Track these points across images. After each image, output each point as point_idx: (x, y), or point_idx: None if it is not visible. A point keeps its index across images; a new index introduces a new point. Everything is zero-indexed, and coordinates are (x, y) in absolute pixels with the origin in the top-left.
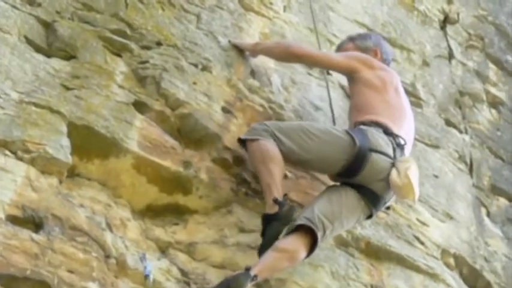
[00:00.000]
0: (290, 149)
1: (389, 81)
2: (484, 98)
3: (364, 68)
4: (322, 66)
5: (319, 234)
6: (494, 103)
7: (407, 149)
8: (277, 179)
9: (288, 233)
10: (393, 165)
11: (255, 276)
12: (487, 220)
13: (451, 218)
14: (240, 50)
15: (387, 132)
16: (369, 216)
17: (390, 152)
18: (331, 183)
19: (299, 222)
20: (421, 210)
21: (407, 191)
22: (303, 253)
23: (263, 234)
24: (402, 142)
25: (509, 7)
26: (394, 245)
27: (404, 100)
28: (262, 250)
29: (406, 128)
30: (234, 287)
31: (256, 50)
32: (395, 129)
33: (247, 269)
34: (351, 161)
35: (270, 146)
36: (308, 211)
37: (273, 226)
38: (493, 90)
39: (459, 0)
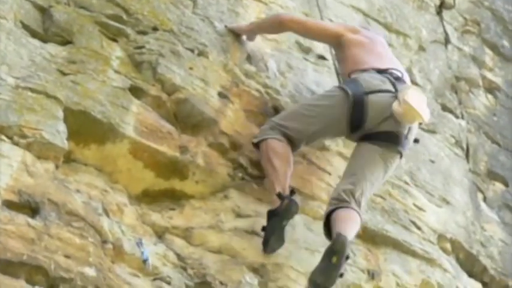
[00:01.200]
0: (297, 129)
1: (375, 39)
2: (480, 83)
3: (349, 33)
4: (312, 33)
5: (353, 205)
6: (491, 88)
7: (407, 80)
8: (281, 174)
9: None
10: (396, 97)
11: None
12: (483, 205)
13: (448, 203)
14: (236, 35)
15: (380, 71)
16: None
17: (389, 87)
18: (328, 166)
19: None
20: (418, 195)
21: (412, 115)
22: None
23: (263, 229)
24: (399, 74)
25: None
26: (391, 229)
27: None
28: (264, 244)
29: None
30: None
31: (251, 30)
32: (387, 66)
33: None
34: (352, 111)
35: (276, 143)
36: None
37: (273, 221)
38: (489, 75)
39: None
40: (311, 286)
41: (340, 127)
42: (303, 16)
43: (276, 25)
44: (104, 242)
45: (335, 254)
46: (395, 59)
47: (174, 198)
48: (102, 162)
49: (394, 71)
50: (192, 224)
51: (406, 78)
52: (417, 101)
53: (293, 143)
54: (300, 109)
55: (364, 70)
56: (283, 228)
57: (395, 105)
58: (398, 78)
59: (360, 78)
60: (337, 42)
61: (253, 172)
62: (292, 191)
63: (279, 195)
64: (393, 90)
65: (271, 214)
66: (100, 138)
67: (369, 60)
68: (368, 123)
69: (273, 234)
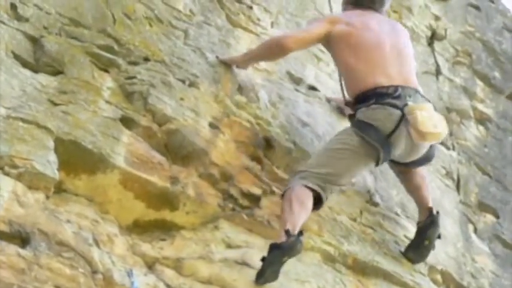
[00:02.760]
0: (332, 173)
1: (364, 21)
2: (472, 114)
3: (331, 26)
4: (310, 45)
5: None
6: (482, 119)
7: (413, 81)
8: (295, 216)
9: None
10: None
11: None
12: (474, 236)
13: (440, 236)
14: (227, 66)
15: (385, 96)
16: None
17: (397, 113)
18: None
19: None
20: (408, 226)
21: (434, 137)
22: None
23: (263, 259)
24: (403, 91)
25: (497, 23)
26: (381, 261)
27: (391, 31)
28: (258, 276)
29: (402, 64)
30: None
31: (245, 61)
32: (392, 81)
33: (287, 232)
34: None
35: (302, 191)
36: None
37: (274, 254)
38: (480, 106)
39: (446, 17)
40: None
41: (368, 166)
42: (295, 30)
43: (276, 50)
44: (94, 272)
45: (427, 238)
46: (396, 33)
47: (165, 229)
48: (93, 193)
49: (399, 90)
50: (182, 255)
51: (411, 77)
52: (430, 121)
53: (324, 191)
54: (326, 152)
55: (369, 94)
56: (282, 264)
57: (416, 137)
58: (402, 96)
59: (373, 117)
60: (327, 41)
61: (244, 203)
62: (301, 232)
63: (287, 232)
64: (401, 107)
65: (274, 247)
66: (91, 169)
67: (370, 71)
68: (398, 156)
69: (270, 266)
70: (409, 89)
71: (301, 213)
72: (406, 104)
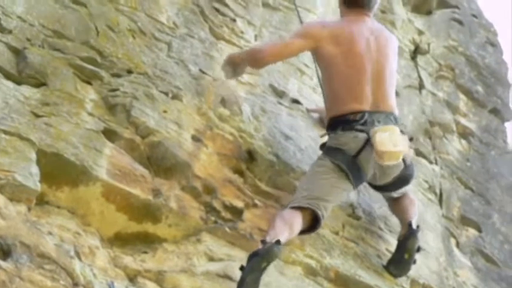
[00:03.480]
0: (313, 195)
1: (351, 38)
2: (454, 128)
3: (315, 43)
4: (288, 57)
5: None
6: (464, 134)
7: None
8: (277, 231)
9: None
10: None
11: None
12: (456, 251)
13: (420, 249)
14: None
15: (352, 122)
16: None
17: (362, 136)
18: None
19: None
20: (391, 240)
21: (394, 157)
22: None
23: (242, 268)
24: (371, 117)
25: (480, 38)
26: (363, 275)
27: (376, 47)
28: (239, 286)
29: (379, 86)
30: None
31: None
32: (363, 107)
33: (263, 241)
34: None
35: (287, 212)
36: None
37: (253, 261)
38: (463, 120)
39: (430, 31)
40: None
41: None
42: (275, 42)
43: (253, 61)
44: (76, 284)
45: (406, 252)
46: (381, 50)
47: (147, 242)
48: (75, 205)
49: (366, 117)
50: (164, 268)
51: (387, 100)
52: (389, 141)
53: (318, 209)
54: (310, 177)
55: (337, 122)
56: (262, 272)
57: (377, 158)
58: (368, 122)
59: (339, 142)
60: (314, 49)
61: (226, 216)
62: (278, 241)
63: (263, 241)
64: (367, 131)
65: (252, 255)
66: (73, 181)
67: (341, 97)
68: (373, 178)
69: (250, 274)
70: (379, 114)
71: (282, 230)
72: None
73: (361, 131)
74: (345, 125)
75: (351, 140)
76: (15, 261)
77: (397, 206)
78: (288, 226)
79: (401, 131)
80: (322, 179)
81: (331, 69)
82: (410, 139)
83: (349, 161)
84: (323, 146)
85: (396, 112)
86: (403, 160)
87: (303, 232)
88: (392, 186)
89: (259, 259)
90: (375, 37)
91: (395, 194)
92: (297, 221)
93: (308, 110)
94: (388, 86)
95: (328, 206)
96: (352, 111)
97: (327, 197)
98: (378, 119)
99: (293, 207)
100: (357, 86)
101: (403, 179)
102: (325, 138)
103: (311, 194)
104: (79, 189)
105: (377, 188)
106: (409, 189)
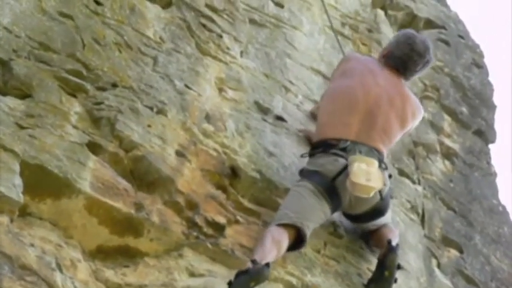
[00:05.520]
0: (296, 212)
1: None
2: (438, 149)
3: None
4: None
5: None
6: (448, 154)
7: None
8: (266, 251)
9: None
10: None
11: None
12: (437, 271)
13: (401, 268)
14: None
15: (332, 146)
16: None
17: (342, 161)
18: None
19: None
20: (372, 259)
21: (365, 190)
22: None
23: (230, 283)
24: (354, 146)
25: (466, 59)
26: None
27: (388, 96)
28: None
29: (373, 125)
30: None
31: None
32: (348, 136)
33: (254, 261)
34: (331, 201)
35: (276, 230)
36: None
37: (241, 279)
38: (447, 141)
39: None
40: None
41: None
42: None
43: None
44: None
45: (386, 269)
46: (392, 99)
47: (128, 256)
48: (57, 217)
49: (345, 141)
50: (145, 282)
51: (377, 138)
52: (364, 173)
53: (302, 226)
54: (292, 196)
55: (318, 145)
56: None
57: (349, 186)
58: (348, 145)
59: (317, 163)
60: None
61: (208, 231)
62: (267, 264)
63: (253, 261)
64: (344, 161)
65: (240, 273)
66: (56, 193)
67: (331, 121)
68: (348, 205)
69: None
70: (362, 146)
71: (272, 249)
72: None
73: (341, 156)
74: (326, 148)
75: (329, 163)
76: None
77: (375, 236)
78: (276, 245)
79: (382, 167)
80: (303, 198)
81: (328, 98)
82: (389, 176)
83: (327, 183)
84: (301, 172)
85: (384, 153)
86: (380, 192)
87: (286, 250)
88: (368, 217)
89: (249, 278)
90: (392, 90)
91: (371, 226)
92: (284, 240)
93: (298, 130)
94: (387, 130)
95: (311, 226)
96: (334, 137)
97: (309, 217)
98: (360, 149)
99: (279, 225)
100: (347, 115)
101: (378, 211)
102: (305, 161)
103: (294, 212)
104: (62, 201)
105: (353, 219)
106: (389, 222)
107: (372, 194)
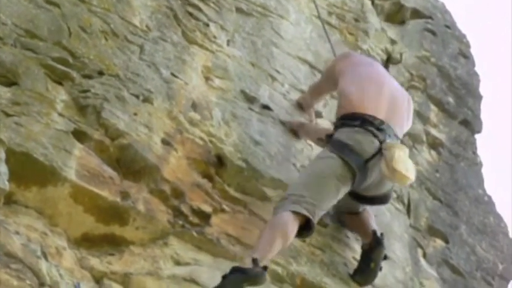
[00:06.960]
0: (313, 196)
1: (358, 61)
2: (424, 139)
3: (341, 61)
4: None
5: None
6: (434, 144)
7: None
8: (270, 250)
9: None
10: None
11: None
12: (422, 261)
13: (387, 258)
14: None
15: (370, 123)
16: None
17: (376, 144)
18: (269, 216)
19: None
20: (358, 248)
21: (403, 180)
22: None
23: (224, 277)
24: (387, 128)
25: (452, 49)
26: (329, 282)
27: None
28: None
29: (395, 111)
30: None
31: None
32: (380, 116)
33: (255, 261)
34: (356, 181)
35: (289, 220)
36: None
37: (236, 276)
38: (433, 131)
39: (402, 41)
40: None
41: (346, 190)
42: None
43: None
44: (42, 284)
45: (372, 261)
46: (382, 79)
47: (114, 244)
48: (43, 205)
49: (378, 124)
50: (130, 270)
51: (399, 124)
52: (404, 163)
53: (313, 217)
54: (313, 176)
55: (354, 118)
56: None
57: (385, 171)
58: (380, 129)
59: (352, 140)
60: (335, 80)
61: (194, 220)
62: (265, 267)
63: (254, 261)
64: (379, 144)
65: (237, 269)
66: (41, 181)
67: (361, 98)
68: (366, 186)
69: (229, 286)
70: (392, 130)
71: (278, 247)
72: (384, 140)
73: (376, 136)
74: (364, 123)
75: (367, 143)
76: None
77: (357, 219)
78: (283, 241)
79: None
80: (325, 184)
81: (354, 73)
82: None
83: (361, 164)
84: (333, 141)
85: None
86: None
87: None
88: (373, 201)
89: (244, 278)
90: (398, 86)
91: (361, 209)
92: (293, 230)
93: (282, 122)
94: (403, 118)
95: (320, 214)
96: (370, 114)
97: (323, 206)
98: (389, 133)
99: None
100: (377, 94)
101: (387, 197)
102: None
103: (311, 198)
104: (47, 189)
105: (356, 197)
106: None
107: (407, 184)
